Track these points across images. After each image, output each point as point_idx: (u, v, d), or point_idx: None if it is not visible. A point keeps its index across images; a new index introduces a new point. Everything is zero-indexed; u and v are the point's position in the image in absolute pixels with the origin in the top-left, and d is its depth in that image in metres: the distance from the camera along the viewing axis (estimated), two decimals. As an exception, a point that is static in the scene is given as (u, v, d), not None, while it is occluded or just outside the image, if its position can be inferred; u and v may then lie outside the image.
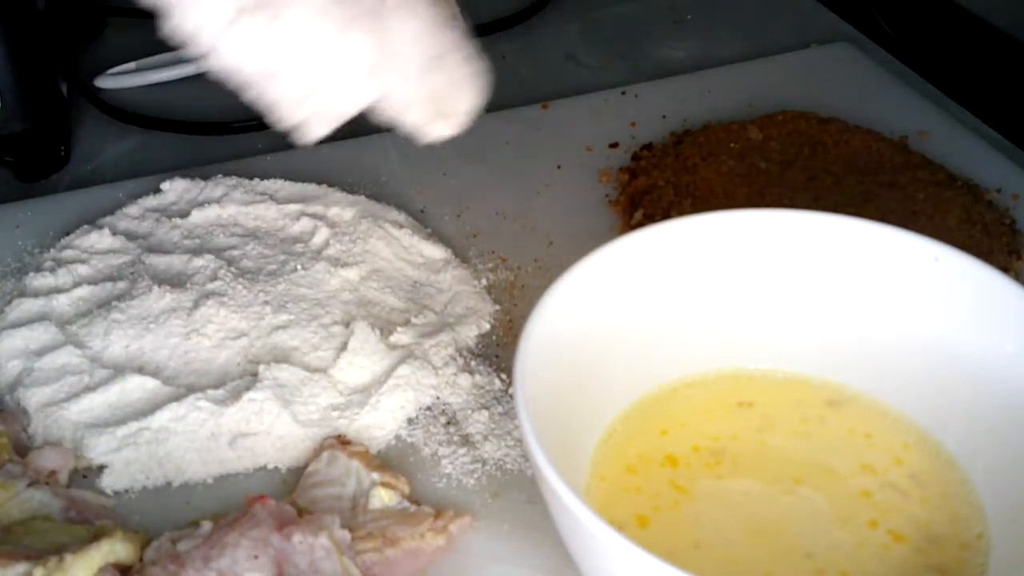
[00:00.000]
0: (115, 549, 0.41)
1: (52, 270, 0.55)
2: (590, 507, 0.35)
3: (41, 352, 0.51)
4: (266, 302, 0.53)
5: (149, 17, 0.85)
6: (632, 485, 0.42)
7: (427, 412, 0.50)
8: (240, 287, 0.53)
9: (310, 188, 0.61)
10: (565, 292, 0.42)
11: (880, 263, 0.44)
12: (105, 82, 0.72)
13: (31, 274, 0.55)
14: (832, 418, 0.45)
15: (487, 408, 0.50)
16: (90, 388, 0.49)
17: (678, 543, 0.40)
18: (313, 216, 0.58)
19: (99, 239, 0.57)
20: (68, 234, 0.58)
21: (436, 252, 0.57)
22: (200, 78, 0.73)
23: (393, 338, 0.52)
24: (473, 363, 0.52)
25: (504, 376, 0.51)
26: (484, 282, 0.56)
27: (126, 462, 0.47)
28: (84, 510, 0.45)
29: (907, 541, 0.40)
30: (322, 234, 0.57)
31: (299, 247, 0.56)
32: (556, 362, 0.42)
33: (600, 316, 0.44)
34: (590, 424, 0.43)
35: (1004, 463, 0.41)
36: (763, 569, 0.39)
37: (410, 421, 0.49)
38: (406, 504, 0.45)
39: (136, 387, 0.49)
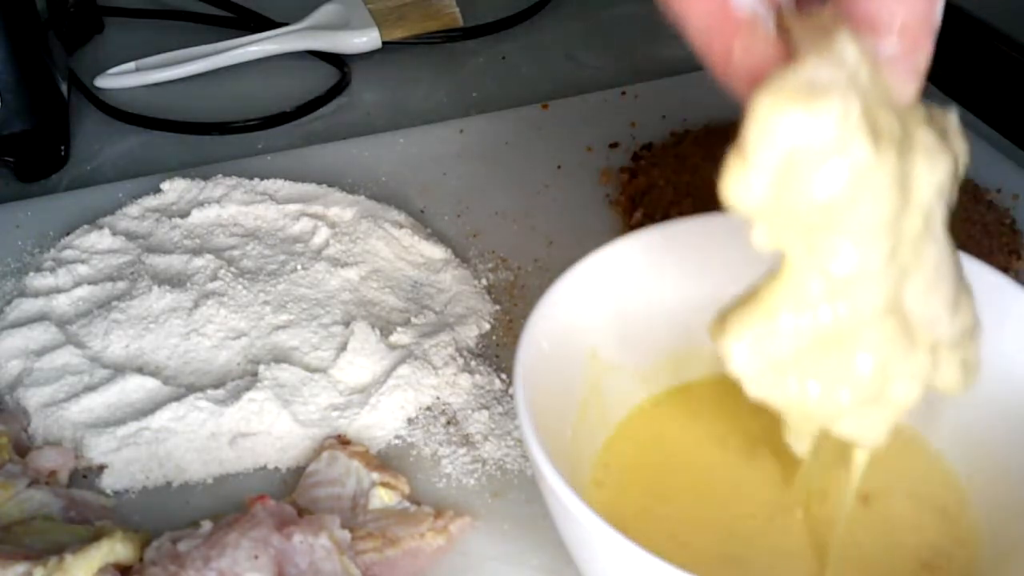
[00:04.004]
0: (115, 549, 0.41)
1: (52, 270, 0.55)
2: (590, 507, 0.35)
3: (41, 352, 0.51)
4: (266, 302, 0.53)
5: (149, 17, 0.86)
6: (634, 487, 0.42)
7: (427, 412, 0.50)
8: (240, 287, 0.53)
9: (310, 188, 0.61)
10: (565, 292, 0.42)
11: None
12: (105, 82, 0.72)
13: (31, 274, 0.55)
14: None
15: (487, 408, 0.50)
16: (90, 388, 0.49)
17: (680, 543, 0.40)
18: (313, 216, 0.58)
19: (99, 239, 0.57)
20: (68, 234, 0.58)
21: (436, 252, 0.57)
22: (200, 78, 0.73)
23: (393, 338, 0.52)
24: (473, 363, 0.52)
25: (504, 376, 0.51)
26: (484, 282, 0.56)
27: (126, 462, 0.47)
28: (84, 510, 0.45)
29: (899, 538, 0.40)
30: (322, 234, 0.57)
31: (299, 247, 0.56)
32: (557, 362, 0.41)
33: (601, 316, 0.44)
34: (592, 425, 0.43)
35: (1000, 466, 0.41)
36: (763, 565, 0.39)
37: (410, 421, 0.49)
38: (406, 504, 0.45)
39: (136, 387, 0.49)
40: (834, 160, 0.32)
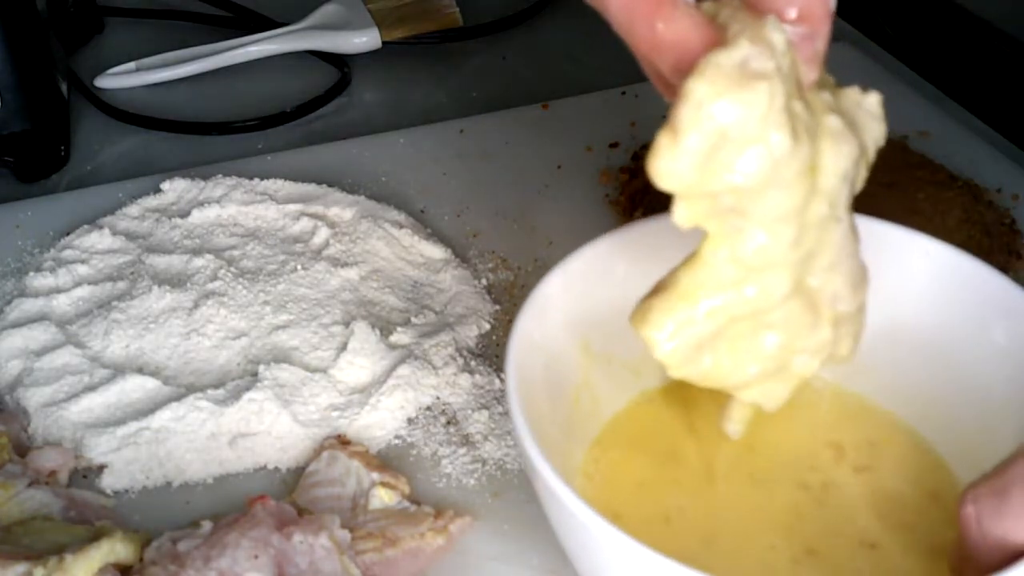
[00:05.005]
0: (115, 549, 0.41)
1: (52, 270, 0.55)
2: (580, 497, 0.34)
3: (41, 352, 0.51)
4: (266, 302, 0.53)
5: (149, 17, 0.86)
6: (625, 480, 0.42)
7: (427, 412, 0.50)
8: (240, 287, 0.53)
9: (310, 188, 0.61)
10: (558, 284, 0.42)
11: (873, 259, 0.43)
12: (105, 82, 0.72)
13: (31, 274, 0.55)
14: (826, 416, 0.45)
15: (487, 408, 0.50)
16: (90, 388, 0.49)
17: (676, 539, 0.40)
18: (313, 216, 0.58)
19: (99, 239, 0.57)
20: (68, 234, 0.58)
21: (436, 252, 0.57)
22: (200, 78, 0.73)
23: (393, 338, 0.52)
24: (473, 363, 0.52)
25: (504, 376, 0.51)
26: (484, 282, 0.56)
27: (126, 462, 0.47)
28: (84, 510, 0.45)
29: (890, 537, 0.41)
30: (322, 234, 0.57)
31: (299, 247, 0.56)
32: (549, 354, 0.41)
33: (594, 309, 0.44)
34: (585, 417, 0.43)
35: (994, 461, 0.41)
36: (758, 562, 0.39)
37: (410, 421, 0.49)
38: (406, 504, 0.45)
39: (136, 387, 0.49)
40: (755, 147, 0.33)
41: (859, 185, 0.38)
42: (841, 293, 0.38)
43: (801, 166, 0.34)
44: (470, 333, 0.53)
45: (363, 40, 0.74)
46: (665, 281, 0.37)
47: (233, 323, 0.52)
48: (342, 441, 0.48)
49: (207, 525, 0.42)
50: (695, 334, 0.37)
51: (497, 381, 0.51)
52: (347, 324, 0.52)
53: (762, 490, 0.42)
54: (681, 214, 0.35)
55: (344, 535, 0.42)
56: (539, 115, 0.69)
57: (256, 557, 0.40)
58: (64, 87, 0.67)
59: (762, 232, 0.35)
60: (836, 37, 0.77)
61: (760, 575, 0.39)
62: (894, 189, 0.58)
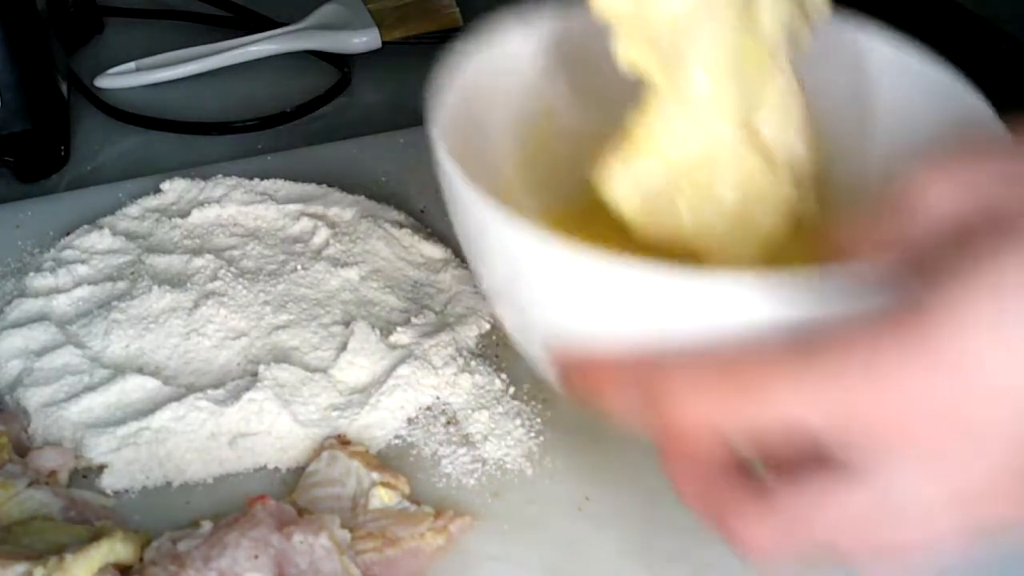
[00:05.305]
0: (115, 549, 0.41)
1: (52, 270, 0.55)
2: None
3: (41, 352, 0.51)
4: (266, 302, 0.53)
5: (149, 17, 0.85)
6: None
7: (427, 412, 0.50)
8: (240, 287, 0.53)
9: (310, 188, 0.61)
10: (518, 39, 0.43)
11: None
12: (105, 82, 0.72)
13: (31, 274, 0.55)
14: None
15: (487, 408, 0.50)
16: (90, 388, 0.49)
17: None
18: (313, 216, 0.58)
19: (99, 239, 0.57)
20: (68, 234, 0.58)
21: (436, 252, 0.57)
22: (200, 78, 0.73)
23: (393, 338, 0.52)
24: (473, 363, 0.52)
25: (504, 376, 0.51)
26: (484, 282, 0.56)
27: (126, 462, 0.47)
28: (84, 510, 0.45)
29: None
30: (322, 234, 0.57)
31: (299, 247, 0.57)
32: (481, 138, 0.43)
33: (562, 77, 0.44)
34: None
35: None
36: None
37: (410, 421, 0.49)
38: (406, 504, 0.45)
39: (136, 387, 0.49)
40: None
41: (801, 43, 0.39)
42: (795, 148, 0.39)
43: (736, 3, 0.36)
44: (470, 333, 0.53)
45: (363, 40, 0.74)
46: (621, 139, 0.38)
47: (233, 323, 0.52)
48: (342, 441, 0.48)
49: (207, 525, 0.42)
50: (654, 186, 0.38)
51: (497, 381, 0.51)
52: (347, 324, 0.52)
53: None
54: (623, 50, 0.37)
55: (344, 535, 0.42)
56: (539, 115, 0.68)
57: (256, 557, 0.40)
58: (64, 87, 0.67)
59: (703, 73, 0.36)
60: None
61: None
62: (894, 189, 0.58)
